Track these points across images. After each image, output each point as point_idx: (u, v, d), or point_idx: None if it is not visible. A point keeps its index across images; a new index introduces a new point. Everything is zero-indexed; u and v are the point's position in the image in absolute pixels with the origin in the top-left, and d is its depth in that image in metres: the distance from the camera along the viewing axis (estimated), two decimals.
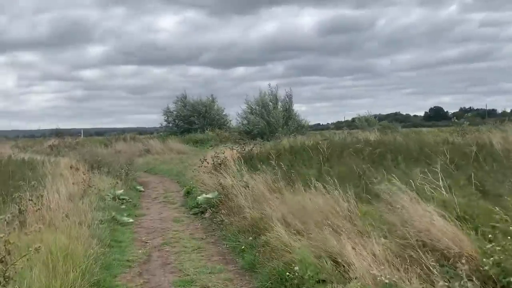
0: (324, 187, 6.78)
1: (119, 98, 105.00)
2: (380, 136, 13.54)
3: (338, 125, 41.99)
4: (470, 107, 64.12)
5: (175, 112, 36.64)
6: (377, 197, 6.65)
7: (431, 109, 73.83)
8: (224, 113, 37.91)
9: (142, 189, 13.72)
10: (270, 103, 31.52)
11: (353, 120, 32.48)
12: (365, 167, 7.76)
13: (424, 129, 23.54)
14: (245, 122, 32.26)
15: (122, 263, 6.42)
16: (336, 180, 6.80)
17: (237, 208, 8.26)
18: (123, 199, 11.15)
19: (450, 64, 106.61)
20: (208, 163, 12.44)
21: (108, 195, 10.91)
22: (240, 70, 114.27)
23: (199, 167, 12.49)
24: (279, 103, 31.97)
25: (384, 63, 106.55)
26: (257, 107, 31.47)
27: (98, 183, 12.02)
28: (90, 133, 54.41)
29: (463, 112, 64.29)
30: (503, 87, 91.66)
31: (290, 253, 5.48)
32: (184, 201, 11.38)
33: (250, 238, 6.80)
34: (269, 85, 32.73)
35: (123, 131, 44.33)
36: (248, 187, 8.66)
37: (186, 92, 37.36)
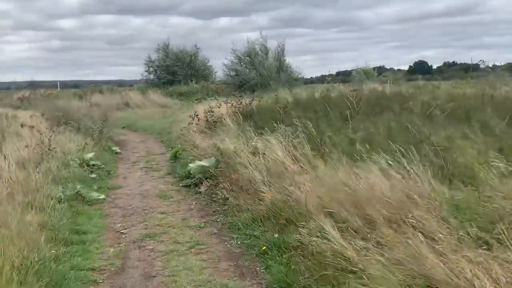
0: (386, 161, 4.56)
1: (98, 49, 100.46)
2: (407, 89, 11.33)
3: (322, 79, 39.64)
4: (454, 61, 63.60)
5: (156, 62, 33.60)
6: (462, 175, 4.51)
7: (415, 63, 73.01)
8: (209, 63, 35.05)
9: (119, 151, 11.34)
10: (260, 53, 28.81)
11: (350, 72, 29.90)
12: (428, 128, 5.52)
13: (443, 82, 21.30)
14: (233, 73, 29.61)
15: (83, 277, 4.18)
16: (401, 148, 4.60)
17: (246, 183, 6.02)
18: (94, 165, 8.80)
19: (435, 17, 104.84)
20: (199, 119, 10.06)
21: (74, 160, 8.56)
22: (223, 21, 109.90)
23: (189, 124, 10.12)
24: (270, 54, 29.28)
25: (369, 16, 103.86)
26: (247, 58, 28.73)
27: (65, 143, 9.63)
28: (69, 85, 51.56)
29: (447, 67, 62.85)
30: (486, 42, 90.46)
31: (359, 276, 3.30)
32: (171, 168, 9.09)
33: (275, 234, 4.60)
34: (261, 33, 29.80)
35: (102, 83, 41.69)
36: (259, 154, 6.40)
37: (169, 41, 34.12)
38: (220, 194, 6.43)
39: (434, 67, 64.39)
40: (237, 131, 8.48)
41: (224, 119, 9.36)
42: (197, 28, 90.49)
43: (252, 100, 11.65)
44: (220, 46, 77.75)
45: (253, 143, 6.72)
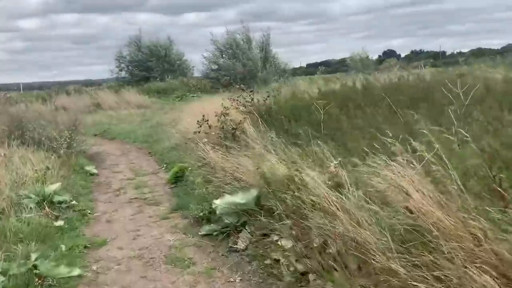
0: None
1: (62, 49, 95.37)
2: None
3: (295, 72, 37.52)
4: (421, 50, 64.10)
5: (128, 57, 30.25)
6: None
7: (384, 52, 73.66)
8: (184, 58, 31.93)
9: (95, 171, 8.34)
10: (243, 44, 25.94)
11: (344, 60, 27.31)
12: None
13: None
14: (214, 67, 26.66)
15: None
16: None
17: (339, 245, 3.29)
18: (61, 202, 5.85)
19: (399, 7, 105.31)
20: (210, 126, 7.18)
21: (30, 198, 5.61)
22: (191, 17, 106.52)
23: (195, 133, 7.21)
24: (254, 44, 26.43)
25: (336, 7, 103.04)
26: (229, 50, 25.81)
27: (17, 168, 6.65)
28: (33, 87, 47.66)
29: (415, 55, 63.20)
30: (451, 30, 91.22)
31: None
32: (176, 198, 6.23)
33: None
34: (241, 22, 26.89)
35: (68, 83, 38.21)
36: (349, 189, 3.66)
37: (141, 34, 30.78)
38: (285, 263, 3.66)
39: (402, 55, 65.16)
40: (270, 144, 5.71)
41: (242, 126, 6.53)
42: (165, 24, 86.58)
43: (268, 97, 8.87)
44: (189, 42, 74.09)
45: (331, 168, 3.95)
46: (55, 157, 7.80)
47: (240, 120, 6.55)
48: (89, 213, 5.81)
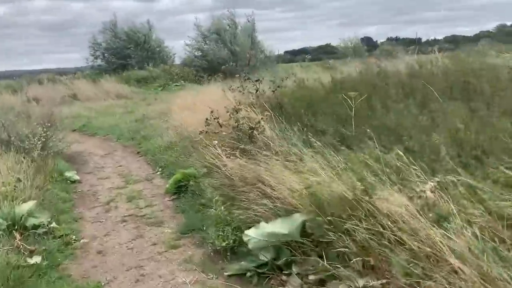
0: None
1: (33, 36, 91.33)
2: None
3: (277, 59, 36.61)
4: (397, 36, 65.06)
5: (104, 45, 28.43)
6: None
7: (361, 39, 73.34)
8: (165, 44, 30.29)
9: (77, 177, 7.01)
10: (229, 28, 24.53)
11: (321, 48, 25.92)
12: None
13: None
14: (198, 53, 25.20)
15: None
16: None
17: None
18: (37, 226, 4.56)
19: None
20: (221, 124, 5.92)
21: None
22: (165, 2, 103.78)
23: (201, 133, 5.92)
24: (239, 29, 25.05)
25: None
26: (214, 35, 24.36)
27: None
28: (2, 76, 45.18)
29: (391, 41, 63.94)
30: (425, 16, 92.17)
31: None
32: (183, 215, 5.03)
33: None
34: (228, 9, 25.40)
35: (40, 72, 36.13)
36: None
37: (117, 19, 28.91)
38: None
39: (379, 42, 65.73)
40: (305, 147, 4.54)
41: (261, 125, 5.31)
42: (139, 11, 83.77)
43: (277, 87, 7.69)
44: (164, 29, 71.66)
45: (426, 190, 2.81)
46: (27, 161, 6.43)
47: (262, 118, 5.31)
48: (74, 240, 4.53)
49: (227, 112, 5.77)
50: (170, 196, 5.79)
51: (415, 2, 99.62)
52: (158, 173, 7.02)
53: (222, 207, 4.31)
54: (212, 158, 5.29)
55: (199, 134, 5.80)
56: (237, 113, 5.65)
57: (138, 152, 8.70)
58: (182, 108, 10.70)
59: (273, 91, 7.77)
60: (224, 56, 22.87)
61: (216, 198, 4.41)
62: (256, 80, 7.92)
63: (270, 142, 5.04)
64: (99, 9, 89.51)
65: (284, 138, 5.16)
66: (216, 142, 5.33)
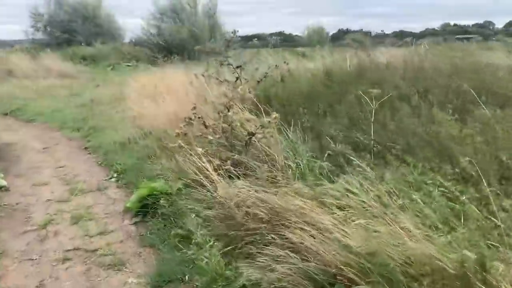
0: None
1: None
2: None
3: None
4: (348, 29, 66.47)
5: (46, 16, 25.65)
6: None
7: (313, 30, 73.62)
8: (116, 19, 27.89)
9: (3, 182, 5.29)
10: (188, 7, 22.68)
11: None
12: None
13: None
14: (154, 31, 23.16)
15: None
16: None
17: None
18: None
19: None
20: (206, 126, 4.42)
21: None
22: None
23: (178, 135, 4.38)
24: (199, 8, 23.27)
25: None
26: (172, 13, 22.42)
27: None
28: None
29: (342, 33, 64.96)
30: (376, 11, 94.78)
31: None
32: (151, 250, 3.60)
33: None
34: None
35: None
36: None
37: None
38: None
39: (331, 33, 66.68)
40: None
41: (266, 130, 3.92)
42: None
43: (265, 76, 6.35)
44: (112, 6, 67.70)
45: None
46: None
47: (269, 121, 3.88)
48: None
49: (215, 110, 4.33)
50: (132, 217, 4.29)
51: None
52: (113, 179, 5.46)
53: (218, 255, 2.92)
54: (194, 172, 3.85)
55: (176, 136, 4.30)
56: (228, 111, 4.22)
57: (85, 148, 7.03)
58: (139, 94, 9.08)
59: (258, 81, 6.43)
60: (184, 37, 21.07)
61: (208, 240, 3.01)
62: (238, 67, 6.49)
63: (275, 154, 3.68)
64: None
65: (295, 149, 3.83)
66: (201, 150, 3.89)
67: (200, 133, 4.26)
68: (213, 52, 6.64)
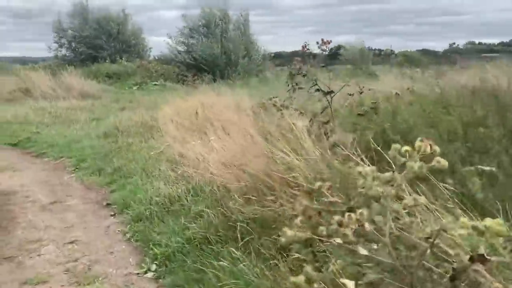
0: None
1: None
2: None
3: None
4: (369, 47, 64.91)
5: (71, 31, 24.21)
6: None
7: (335, 47, 73.39)
8: (142, 36, 26.33)
9: None
10: (221, 22, 20.87)
11: (336, 50, 22.58)
12: None
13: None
14: (181, 48, 21.39)
15: None
16: None
17: None
18: None
19: (350, 4, 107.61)
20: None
21: None
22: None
23: (297, 216, 2.30)
24: (231, 25, 21.45)
25: (287, 0, 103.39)
26: (204, 28, 20.66)
27: None
28: None
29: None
30: (394, 29, 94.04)
31: None
32: None
33: None
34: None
35: (3, 60, 31.64)
36: None
37: (88, 2, 24.70)
38: None
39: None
40: None
41: None
42: (112, 4, 78.92)
43: (373, 106, 4.26)
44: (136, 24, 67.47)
45: None
46: None
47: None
48: None
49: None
50: None
51: (383, 15, 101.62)
52: (150, 275, 3.36)
53: None
54: None
55: (298, 219, 2.18)
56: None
57: (107, 205, 4.98)
58: (177, 124, 7.07)
59: (361, 114, 4.33)
60: (216, 54, 19.21)
61: None
62: (328, 92, 4.40)
63: None
64: (69, 0, 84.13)
65: None
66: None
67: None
68: (298, 72, 4.56)
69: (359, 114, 4.18)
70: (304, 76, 4.60)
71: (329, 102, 4.37)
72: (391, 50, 22.42)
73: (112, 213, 4.70)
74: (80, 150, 7.40)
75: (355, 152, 3.04)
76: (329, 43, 4.66)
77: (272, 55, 22.05)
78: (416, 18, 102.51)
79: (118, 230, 4.22)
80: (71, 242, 3.99)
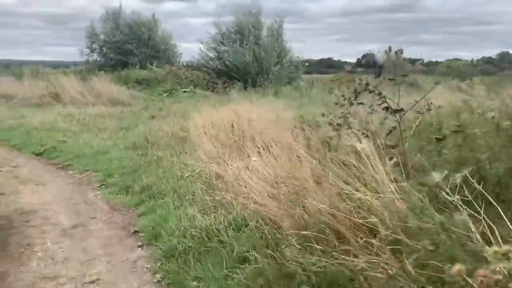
0: None
1: (34, 27, 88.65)
2: None
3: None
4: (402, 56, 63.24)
5: (103, 36, 24.12)
6: None
7: (363, 56, 71.80)
8: (172, 42, 26.03)
9: None
10: (253, 29, 20.30)
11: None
12: None
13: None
14: (212, 55, 20.91)
15: None
16: None
17: None
18: None
19: (377, 12, 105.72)
20: None
21: None
22: (169, 5, 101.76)
23: None
24: (264, 30, 20.86)
25: (315, 8, 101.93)
26: (236, 35, 20.13)
27: None
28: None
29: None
30: (422, 39, 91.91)
31: None
32: None
33: None
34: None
35: (37, 63, 32.12)
36: None
37: (121, 8, 24.60)
38: None
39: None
40: None
41: None
42: (143, 11, 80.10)
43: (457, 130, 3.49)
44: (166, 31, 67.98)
45: None
46: None
47: None
48: None
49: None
50: None
51: (412, 24, 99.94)
52: None
53: None
54: None
55: None
56: None
57: (135, 232, 4.37)
58: (211, 136, 6.47)
59: (442, 139, 3.70)
60: (247, 61, 18.63)
61: None
62: (397, 111, 3.69)
63: None
64: (103, 6, 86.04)
65: None
66: None
67: None
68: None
69: (438, 139, 3.45)
70: (371, 92, 3.88)
71: (398, 123, 3.66)
72: (436, 60, 21.23)
73: (140, 243, 4.09)
74: (107, 163, 6.87)
75: (449, 193, 2.32)
76: (401, 52, 3.93)
77: (306, 64, 21.25)
78: (445, 27, 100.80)
79: (147, 268, 3.59)
80: (92, 282, 3.38)
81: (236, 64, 18.86)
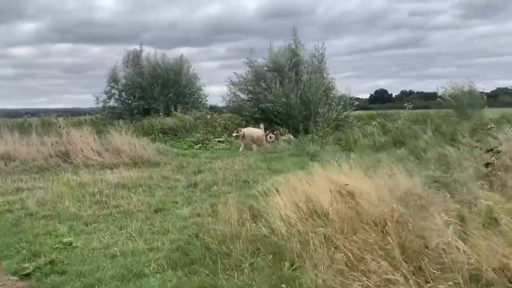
0: None
1: (53, 77, 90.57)
2: None
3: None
4: (411, 90, 63.21)
5: (123, 81, 21.43)
6: None
7: (376, 91, 72.15)
8: (198, 83, 23.25)
9: None
10: (291, 64, 17.34)
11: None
12: None
13: None
14: (245, 96, 17.91)
15: None
16: None
17: None
18: None
19: (384, 49, 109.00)
20: None
21: None
22: (182, 51, 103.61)
23: None
24: (304, 66, 17.88)
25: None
26: (272, 73, 17.19)
27: None
28: (21, 114, 40.28)
29: (405, 95, 61.25)
30: (432, 72, 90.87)
31: None
32: None
33: None
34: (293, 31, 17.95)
35: (55, 111, 29.83)
36: None
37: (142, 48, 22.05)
38: None
39: (394, 95, 63.23)
40: None
41: None
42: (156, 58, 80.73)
43: None
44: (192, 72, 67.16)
45: None
46: None
47: None
48: None
49: None
50: None
51: (420, 59, 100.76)
52: None
53: None
54: None
55: None
56: None
57: None
58: (331, 242, 3.18)
59: None
60: (291, 102, 15.54)
61: None
62: None
63: None
64: (117, 54, 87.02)
65: None
66: None
67: None
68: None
69: None
70: None
71: None
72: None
73: None
74: None
75: None
76: None
77: (356, 102, 18.04)
78: (455, 60, 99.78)
79: None
80: None
81: (276, 108, 15.75)
